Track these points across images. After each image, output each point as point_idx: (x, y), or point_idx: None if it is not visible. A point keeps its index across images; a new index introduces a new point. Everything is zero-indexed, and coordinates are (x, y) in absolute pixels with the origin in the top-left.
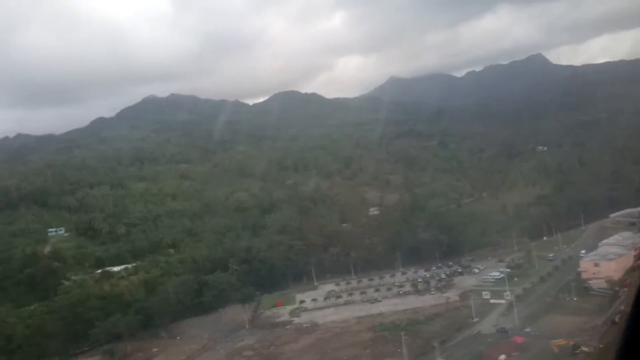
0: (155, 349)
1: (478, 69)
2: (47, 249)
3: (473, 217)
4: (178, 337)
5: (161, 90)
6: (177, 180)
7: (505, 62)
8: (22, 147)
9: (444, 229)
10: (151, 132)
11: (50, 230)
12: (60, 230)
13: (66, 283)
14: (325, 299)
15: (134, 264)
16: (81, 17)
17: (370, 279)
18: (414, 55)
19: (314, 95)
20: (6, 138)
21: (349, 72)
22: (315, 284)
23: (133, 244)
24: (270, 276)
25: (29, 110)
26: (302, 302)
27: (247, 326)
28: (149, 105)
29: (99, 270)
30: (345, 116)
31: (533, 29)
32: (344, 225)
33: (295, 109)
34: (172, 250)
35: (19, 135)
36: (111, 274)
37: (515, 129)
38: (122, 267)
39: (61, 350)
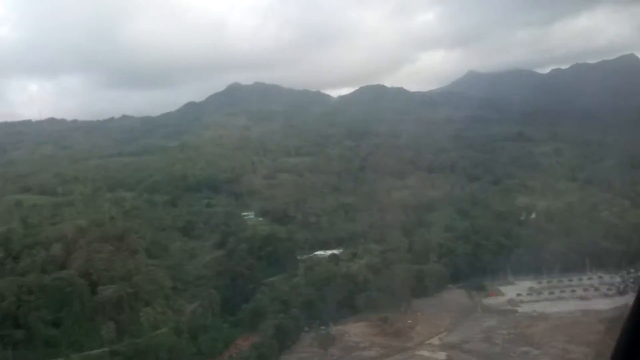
0: (410, 321)
1: (564, 66)
2: (250, 231)
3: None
4: (418, 313)
5: (245, 78)
6: (316, 174)
7: (593, 61)
8: (129, 128)
9: (616, 236)
10: (247, 121)
11: (244, 214)
12: (251, 214)
13: (300, 261)
14: (528, 294)
15: (340, 250)
16: (182, 6)
17: (570, 279)
18: (499, 50)
19: (400, 89)
20: (112, 119)
21: (429, 65)
22: (510, 279)
23: (326, 231)
24: (467, 270)
25: (126, 91)
26: (518, 294)
27: (478, 310)
28: (235, 92)
29: (319, 252)
30: (431, 112)
31: (628, 29)
32: (515, 227)
33: (381, 103)
34: (363, 240)
35: (124, 117)
36: (337, 257)
37: (620, 134)
38: (329, 252)
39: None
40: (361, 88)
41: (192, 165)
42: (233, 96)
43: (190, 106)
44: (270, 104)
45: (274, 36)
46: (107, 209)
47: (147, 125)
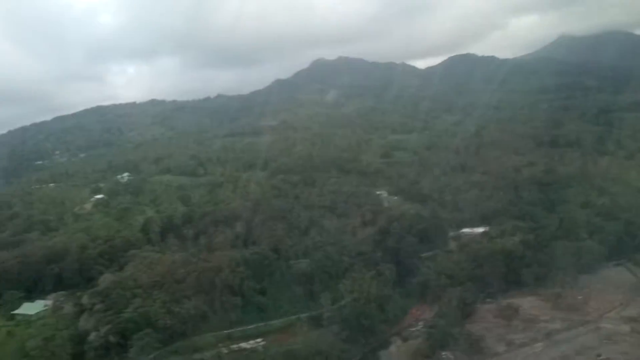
0: (580, 297)
1: None
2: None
3: None
4: (586, 289)
5: (329, 53)
6: (432, 151)
7: None
8: (225, 107)
9: None
10: (338, 97)
11: (378, 193)
12: (384, 193)
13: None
14: None
15: (487, 227)
16: None
17: None
18: (594, 11)
19: (491, 58)
20: (208, 98)
21: (518, 31)
22: None
23: (466, 210)
24: (620, 248)
25: (217, 71)
26: None
27: None
28: (320, 68)
29: (466, 230)
30: (527, 80)
31: None
32: None
33: (472, 72)
34: (505, 218)
35: (219, 96)
36: (489, 234)
37: None
38: (476, 229)
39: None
40: (450, 58)
41: (310, 146)
42: (318, 72)
43: (278, 83)
44: (357, 79)
45: (358, 9)
46: (254, 189)
47: (242, 104)
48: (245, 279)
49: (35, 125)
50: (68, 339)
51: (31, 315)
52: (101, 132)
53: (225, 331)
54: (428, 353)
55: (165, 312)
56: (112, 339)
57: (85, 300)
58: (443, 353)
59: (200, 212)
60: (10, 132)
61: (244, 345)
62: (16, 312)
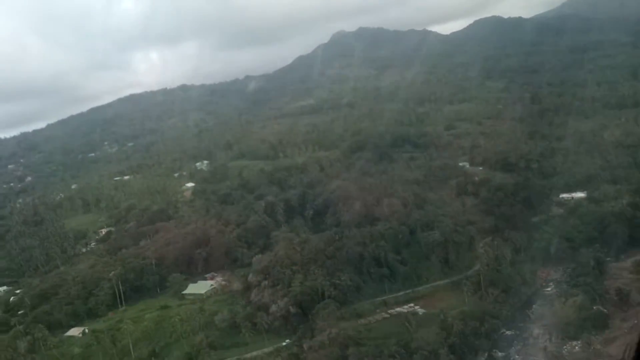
0: None
1: None
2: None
3: None
4: None
5: (348, 25)
6: (494, 120)
7: None
8: (255, 88)
9: None
10: (369, 69)
11: (460, 164)
12: (466, 164)
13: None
14: None
15: (585, 192)
16: None
17: None
18: None
19: (518, 19)
20: (237, 80)
21: None
22: None
23: (559, 176)
24: None
25: (238, 52)
26: None
27: None
28: (340, 41)
29: (564, 195)
30: (558, 39)
31: None
32: None
33: (498, 35)
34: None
35: (247, 77)
36: (594, 198)
37: None
38: (574, 194)
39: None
40: (475, 22)
41: (370, 122)
42: (339, 45)
43: (301, 60)
44: (380, 49)
45: None
46: (339, 168)
47: (270, 83)
48: (388, 252)
49: (72, 117)
50: (245, 311)
51: (202, 294)
52: (142, 121)
53: (379, 298)
54: (587, 307)
55: (329, 285)
56: (292, 309)
57: (251, 278)
58: (594, 307)
59: (311, 194)
60: (49, 125)
61: (399, 309)
62: (185, 292)
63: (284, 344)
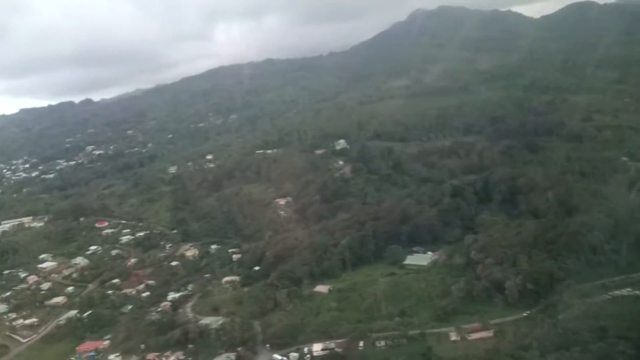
0: None
1: None
2: None
3: None
4: None
5: (427, 3)
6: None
7: None
8: (340, 64)
9: None
10: (460, 51)
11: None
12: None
13: None
14: None
15: None
16: None
17: None
18: None
19: (615, 5)
20: (321, 56)
21: None
22: None
23: None
24: None
25: (316, 27)
26: None
27: None
28: (418, 19)
29: None
30: None
31: None
32: None
33: (593, 22)
34: None
35: (331, 54)
36: None
37: None
38: None
39: None
40: (568, 6)
41: (497, 108)
42: (417, 23)
43: (381, 37)
44: (464, 29)
45: None
46: (495, 155)
47: (355, 60)
48: (602, 241)
49: (166, 86)
50: (481, 284)
51: (424, 265)
52: (238, 94)
53: (597, 282)
54: None
55: (557, 268)
56: (529, 286)
57: (473, 255)
58: None
59: (493, 179)
60: (147, 91)
61: (619, 292)
62: (406, 262)
63: (524, 314)
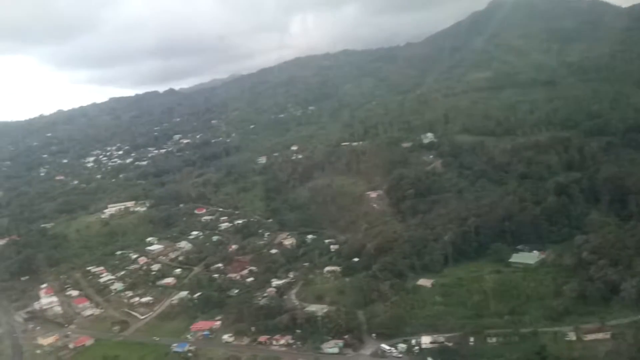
0: None
1: None
2: None
3: None
4: None
5: None
6: None
7: None
8: (418, 55)
9: None
10: (546, 42)
11: None
12: None
13: None
14: None
15: None
16: None
17: None
18: None
19: None
20: (397, 46)
21: None
22: None
23: None
24: None
25: (390, 16)
26: None
27: None
28: (498, 8)
29: None
30: None
31: None
32: None
33: None
34: None
35: (408, 44)
36: None
37: None
38: None
39: None
40: None
41: (595, 102)
42: (497, 13)
43: (459, 27)
44: (548, 20)
45: None
46: (596, 152)
47: (434, 51)
48: None
49: (243, 77)
50: (594, 285)
51: (531, 264)
52: (316, 85)
53: None
54: None
55: None
56: None
57: (585, 255)
58: None
59: (599, 178)
60: (226, 82)
61: None
62: (511, 260)
63: None
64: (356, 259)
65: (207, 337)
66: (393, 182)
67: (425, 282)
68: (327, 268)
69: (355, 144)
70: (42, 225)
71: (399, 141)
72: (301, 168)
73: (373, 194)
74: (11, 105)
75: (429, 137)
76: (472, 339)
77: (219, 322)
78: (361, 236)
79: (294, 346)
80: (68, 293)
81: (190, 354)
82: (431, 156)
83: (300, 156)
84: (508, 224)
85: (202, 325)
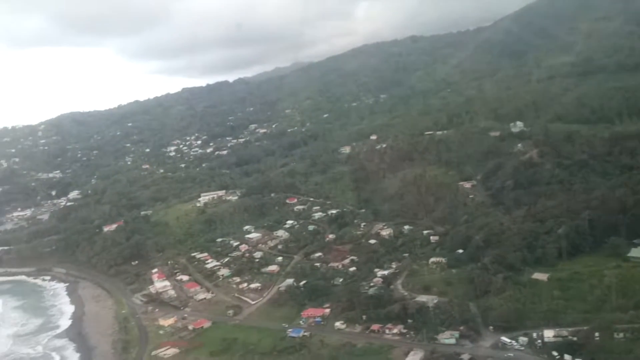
0: None
1: None
2: None
3: None
4: None
5: None
6: None
7: None
8: (486, 40)
9: None
10: (627, 25)
11: None
12: None
13: None
14: None
15: None
16: None
17: None
18: None
19: None
20: (467, 31)
21: None
22: None
23: None
24: None
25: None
26: None
27: None
28: None
29: None
30: None
31: None
32: None
33: None
34: None
35: (479, 29)
36: None
37: None
38: None
39: None
40: None
41: None
42: None
43: (530, 9)
44: (624, 1)
45: None
46: None
47: (505, 36)
48: None
49: (312, 64)
50: None
51: None
52: (385, 72)
53: None
54: None
55: None
56: None
57: None
58: None
59: None
60: (294, 70)
61: None
62: (630, 255)
63: None
64: (460, 251)
65: (318, 323)
66: (489, 172)
67: (540, 276)
68: (432, 259)
69: (439, 132)
70: (143, 213)
71: (486, 130)
72: (388, 158)
73: (467, 185)
74: (91, 96)
75: (518, 126)
76: (597, 334)
77: (328, 310)
78: (464, 228)
79: (407, 335)
80: (178, 278)
81: (305, 340)
82: (520, 145)
83: (383, 145)
84: (622, 218)
85: (312, 312)
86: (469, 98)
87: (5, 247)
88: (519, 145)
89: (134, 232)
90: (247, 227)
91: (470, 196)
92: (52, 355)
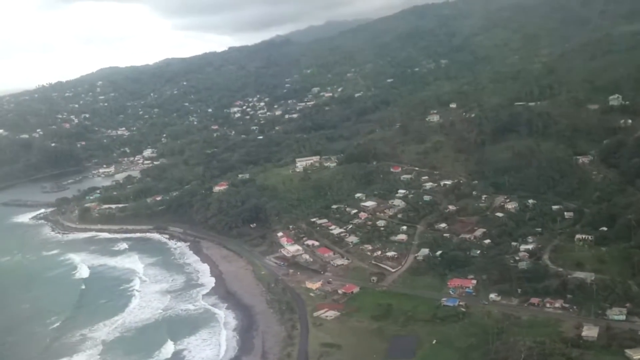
0: None
1: None
2: None
3: None
4: None
5: None
6: None
7: None
8: (542, 5)
9: None
10: None
11: None
12: None
13: None
14: None
15: None
16: None
17: None
18: None
19: None
20: None
21: None
22: None
23: None
24: None
25: None
26: None
27: None
28: None
29: None
30: None
31: None
32: None
33: None
34: None
35: None
36: None
37: None
38: None
39: None
40: None
41: None
42: None
43: None
44: None
45: None
46: None
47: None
48: None
49: (361, 26)
50: None
51: None
52: (446, 37)
53: None
54: None
55: None
56: None
57: None
58: None
59: None
60: (343, 32)
61: None
62: None
63: None
64: (604, 229)
65: (469, 294)
66: (609, 148)
67: None
68: (578, 236)
69: (532, 104)
70: (240, 176)
71: (583, 102)
72: (487, 129)
73: (584, 159)
74: (127, 52)
75: (616, 99)
76: None
77: (474, 281)
78: (605, 206)
79: (570, 310)
80: (307, 242)
81: (462, 309)
82: (630, 120)
83: (472, 115)
84: None
85: (460, 282)
86: (550, 67)
87: (116, 205)
88: (629, 120)
89: (248, 196)
90: (358, 194)
91: (594, 172)
92: (214, 310)
